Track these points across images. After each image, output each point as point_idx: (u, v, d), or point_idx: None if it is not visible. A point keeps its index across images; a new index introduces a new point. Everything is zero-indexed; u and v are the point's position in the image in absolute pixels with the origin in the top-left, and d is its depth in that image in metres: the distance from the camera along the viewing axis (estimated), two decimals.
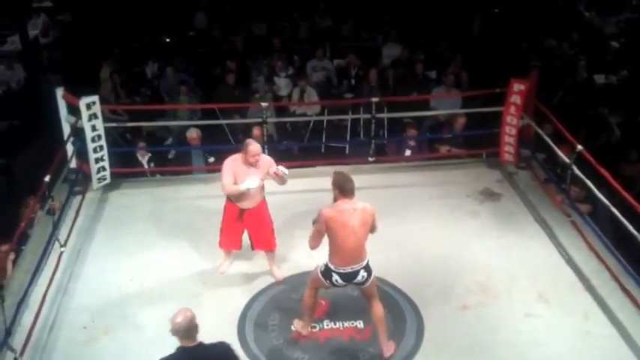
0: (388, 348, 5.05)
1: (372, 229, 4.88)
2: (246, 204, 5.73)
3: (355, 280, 4.84)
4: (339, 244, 4.71)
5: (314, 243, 4.86)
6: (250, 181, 5.54)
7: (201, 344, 3.87)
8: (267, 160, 5.73)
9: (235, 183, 5.58)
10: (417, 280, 5.90)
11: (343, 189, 4.72)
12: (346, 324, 5.43)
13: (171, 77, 10.39)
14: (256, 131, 8.06)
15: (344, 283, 4.88)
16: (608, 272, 5.85)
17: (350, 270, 4.78)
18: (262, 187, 5.77)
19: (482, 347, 5.19)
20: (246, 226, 5.85)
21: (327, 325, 5.41)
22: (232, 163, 5.64)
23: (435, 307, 5.59)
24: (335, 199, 4.78)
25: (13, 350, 4.91)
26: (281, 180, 5.66)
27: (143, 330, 5.37)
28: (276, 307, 5.62)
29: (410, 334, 5.32)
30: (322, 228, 4.74)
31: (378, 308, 5.00)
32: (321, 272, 4.88)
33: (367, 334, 5.32)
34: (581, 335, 5.30)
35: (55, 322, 5.47)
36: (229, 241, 5.97)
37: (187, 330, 3.81)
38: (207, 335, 5.22)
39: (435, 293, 5.76)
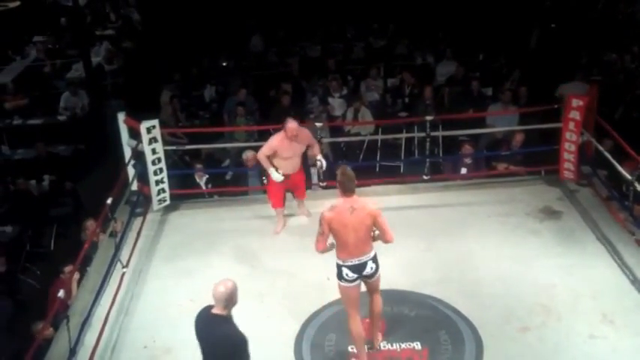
0: (378, 340, 5.36)
1: (383, 234, 4.97)
2: (287, 170, 6.76)
3: (365, 272, 4.97)
4: (342, 242, 4.94)
5: (319, 246, 5.05)
6: (275, 175, 6.70)
7: (224, 317, 4.23)
8: (304, 133, 6.71)
9: (276, 154, 6.65)
10: (476, 301, 5.79)
11: (343, 187, 4.95)
12: (403, 345, 5.37)
13: (242, 98, 10.55)
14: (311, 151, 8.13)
15: (354, 275, 4.97)
16: None
17: (357, 262, 4.94)
18: (302, 156, 6.83)
19: None
20: (289, 186, 7.01)
21: (384, 347, 5.37)
22: (278, 140, 6.65)
23: (495, 329, 5.47)
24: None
25: None
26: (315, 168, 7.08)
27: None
28: (332, 328, 5.59)
29: (469, 356, 5.21)
30: (324, 229, 4.96)
31: (379, 302, 5.21)
32: (337, 275, 5.03)
33: (425, 355, 5.25)
34: None
35: (117, 341, 5.61)
36: (276, 200, 7.00)
37: (218, 300, 4.21)
38: (263, 355, 5.30)
39: (495, 314, 5.65)
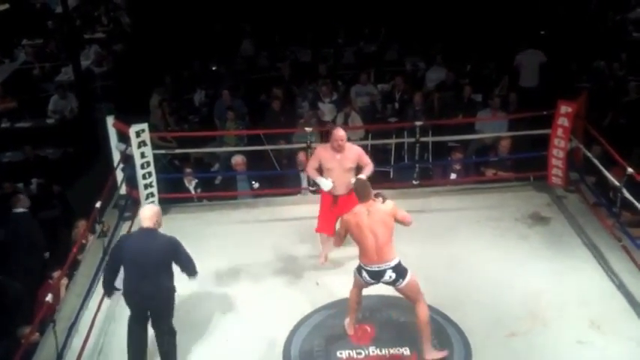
0: (431, 355, 5.14)
1: (403, 222, 5.19)
2: (338, 190, 6.12)
3: (383, 279, 5.08)
4: (359, 245, 5.09)
5: (336, 243, 5.51)
6: (326, 183, 6.07)
7: (156, 229, 5.05)
8: (354, 149, 6.15)
9: (321, 167, 6.12)
10: (464, 306, 5.80)
11: (358, 195, 5.21)
12: (392, 350, 5.36)
13: (227, 101, 10.56)
14: (301, 156, 8.13)
15: (372, 281, 5.13)
16: None
17: (377, 268, 5.04)
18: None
19: None
20: (341, 211, 5.98)
21: (373, 352, 5.36)
22: (322, 149, 6.22)
23: (483, 334, 5.48)
24: None
25: None
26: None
27: (190, 354, 5.42)
28: (321, 333, 5.59)
29: None
30: (341, 231, 5.31)
31: (421, 311, 5.12)
32: (356, 269, 5.21)
33: None
34: None
35: (103, 346, 5.58)
36: (324, 226, 6.31)
37: (147, 218, 5.02)
38: None
39: (483, 319, 5.66)
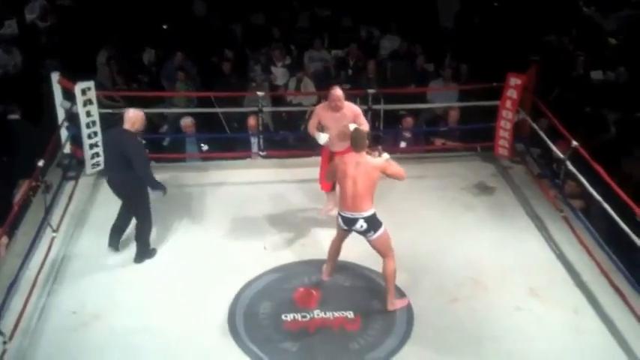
0: (394, 305, 5.41)
1: (396, 177, 5.38)
2: (334, 147, 6.21)
3: (354, 227, 5.28)
4: (342, 192, 5.30)
5: (328, 179, 5.82)
6: (322, 137, 6.18)
7: (131, 131, 5.76)
8: (352, 109, 6.21)
9: (320, 125, 6.24)
10: (408, 272, 5.84)
11: (353, 143, 5.31)
12: (337, 314, 5.43)
13: (179, 62, 10.34)
14: (252, 120, 8.06)
15: (346, 227, 5.34)
16: (598, 268, 5.85)
17: (350, 216, 5.25)
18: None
19: (472, 340, 5.20)
20: None
21: (318, 315, 5.41)
22: (321, 108, 6.32)
23: (426, 300, 5.59)
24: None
25: (1, 334, 4.90)
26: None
27: (133, 316, 5.37)
28: (267, 296, 5.61)
29: (399, 326, 5.31)
30: (331, 170, 5.51)
31: (388, 266, 5.36)
32: (337, 215, 5.44)
33: (357, 324, 5.33)
34: (571, 330, 5.32)
35: (44, 306, 5.47)
36: (323, 182, 6.49)
37: (127, 120, 5.75)
38: (198, 324, 5.29)
39: (426, 285, 5.77)
